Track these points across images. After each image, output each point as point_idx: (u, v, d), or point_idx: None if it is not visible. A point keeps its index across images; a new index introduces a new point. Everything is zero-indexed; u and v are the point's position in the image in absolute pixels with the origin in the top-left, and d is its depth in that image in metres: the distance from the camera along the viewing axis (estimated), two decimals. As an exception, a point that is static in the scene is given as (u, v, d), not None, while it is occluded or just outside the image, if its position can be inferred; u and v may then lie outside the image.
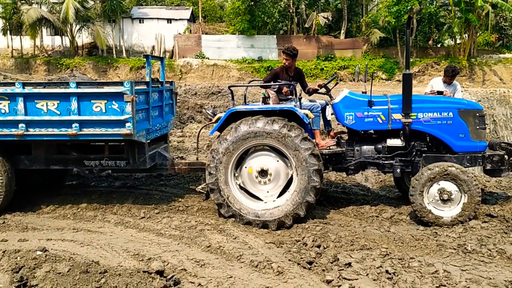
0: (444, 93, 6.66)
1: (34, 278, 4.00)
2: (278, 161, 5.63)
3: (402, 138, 5.89)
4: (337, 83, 6.48)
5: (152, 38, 37.71)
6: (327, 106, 6.38)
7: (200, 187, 6.46)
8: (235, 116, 5.72)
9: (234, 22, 37.16)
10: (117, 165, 6.29)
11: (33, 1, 34.61)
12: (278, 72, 6.50)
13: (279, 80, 6.38)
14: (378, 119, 5.89)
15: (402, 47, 34.19)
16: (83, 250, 4.86)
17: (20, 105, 5.63)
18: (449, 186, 5.43)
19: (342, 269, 4.24)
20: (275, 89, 6.24)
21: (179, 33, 37.83)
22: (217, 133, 5.94)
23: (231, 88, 6.35)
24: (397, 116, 5.83)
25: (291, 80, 6.45)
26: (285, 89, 6.25)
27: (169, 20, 39.73)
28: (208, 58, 35.37)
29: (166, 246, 4.96)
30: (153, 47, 37.76)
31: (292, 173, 5.58)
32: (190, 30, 39.18)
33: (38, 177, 7.31)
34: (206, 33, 38.26)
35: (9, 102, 5.66)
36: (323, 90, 6.33)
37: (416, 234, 5.25)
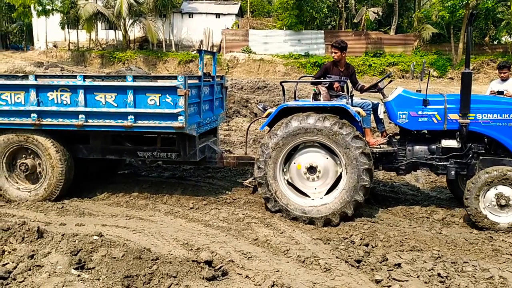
0: (504, 93, 6.38)
1: (91, 261, 4.20)
2: (327, 158, 5.60)
3: (458, 139, 5.69)
4: (391, 81, 6.35)
5: (200, 33, 38.29)
6: (379, 104, 6.26)
7: (247, 181, 6.53)
8: (285, 112, 5.74)
9: (282, 17, 37.08)
10: (168, 157, 6.47)
11: (89, -4, 36.00)
12: (328, 67, 6.45)
13: (329, 76, 6.34)
14: (433, 118, 5.72)
15: (456, 43, 32.92)
16: (135, 237, 5.05)
17: (81, 97, 5.90)
18: (508, 191, 5.20)
19: (392, 270, 4.18)
20: (326, 85, 6.20)
21: (227, 28, 38.20)
22: (267, 128, 5.99)
23: (282, 83, 6.36)
24: (454, 116, 5.64)
25: (342, 75, 6.38)
26: (336, 84, 6.20)
27: (218, 15, 40.18)
28: (255, 53, 35.52)
29: (214, 237, 5.06)
30: (201, 41, 38.33)
31: (341, 171, 5.55)
32: (238, 25, 39.47)
33: (93, 166, 7.63)
34: (254, 28, 38.42)
35: (70, 94, 5.95)
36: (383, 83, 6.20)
37: (470, 238, 5.09)
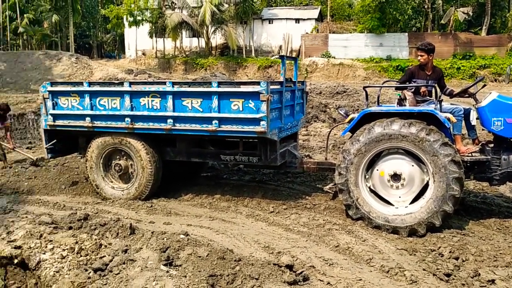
0: None
1: (178, 258, 4.42)
2: (413, 165, 5.39)
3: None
4: (484, 85, 5.97)
5: (280, 38, 38.61)
6: (471, 110, 5.90)
7: (328, 186, 6.48)
8: (368, 117, 5.62)
9: (363, 20, 36.28)
10: (249, 161, 6.60)
11: (175, 6, 37.81)
12: (414, 71, 6.19)
13: (415, 80, 6.10)
14: (532, 125, 5.29)
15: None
16: (218, 238, 5.22)
17: (170, 102, 6.23)
18: None
19: (485, 286, 3.93)
20: (412, 90, 5.97)
21: (306, 33, 38.15)
22: (349, 133, 5.90)
23: (366, 88, 6.24)
24: (555, 123, 5.17)
25: (428, 79, 6.10)
26: (423, 89, 5.95)
27: (297, 20, 40.28)
28: (334, 57, 35.08)
29: (295, 242, 5.09)
30: (280, 46, 38.64)
31: (428, 179, 5.30)
32: (317, 30, 39.27)
33: (178, 168, 8.00)
34: (333, 32, 38.00)
35: (160, 99, 6.31)
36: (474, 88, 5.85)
37: None
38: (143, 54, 41.01)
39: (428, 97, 6.02)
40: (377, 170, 5.57)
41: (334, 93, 22.14)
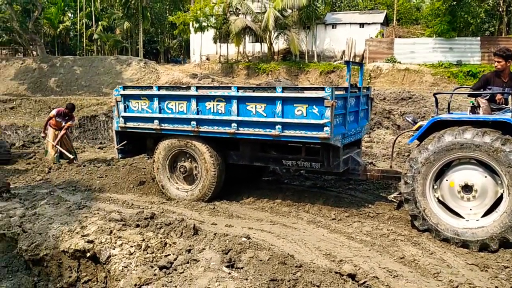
0: None
1: (240, 261, 4.47)
2: (486, 177, 5.10)
3: None
4: None
5: (343, 43, 38.05)
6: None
7: (392, 195, 6.30)
8: (438, 125, 5.39)
9: (432, 24, 34.90)
10: (312, 167, 6.56)
11: (239, 12, 38.46)
12: (490, 78, 5.88)
13: (490, 87, 5.78)
14: None
15: None
16: (279, 242, 5.23)
17: (234, 106, 6.35)
18: None
19: None
20: (487, 97, 5.66)
21: (371, 37, 37.33)
22: (417, 141, 5.70)
23: (436, 95, 6.00)
24: None
25: (505, 87, 5.76)
26: (498, 96, 5.62)
27: (362, 25, 39.53)
28: (400, 62, 34.00)
29: (357, 251, 4.98)
30: (343, 51, 38.08)
31: (503, 191, 5.00)
32: (383, 34, 38.30)
33: (240, 171, 8.11)
34: (400, 37, 36.87)
35: (225, 104, 6.45)
36: None
37: None
38: (207, 59, 42.05)
39: (504, 105, 5.68)
40: (447, 180, 5.33)
41: (398, 99, 21.47)
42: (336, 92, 6.05)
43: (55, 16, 44.13)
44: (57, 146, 10.08)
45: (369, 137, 13.61)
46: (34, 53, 38.05)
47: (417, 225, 5.46)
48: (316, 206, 6.75)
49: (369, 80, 32.67)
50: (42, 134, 10.36)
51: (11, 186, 7.72)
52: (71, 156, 10.12)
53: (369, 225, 5.82)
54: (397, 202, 6.33)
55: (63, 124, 10.23)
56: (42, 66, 33.74)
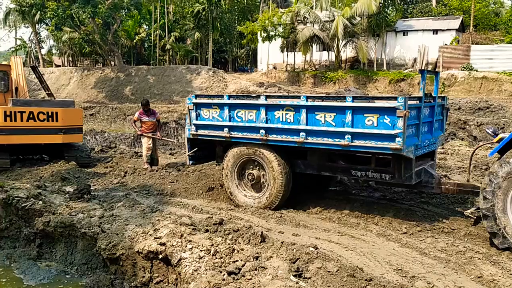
0: None
1: (307, 271, 4.45)
2: None
3: None
4: None
5: (414, 50, 36.77)
6: None
7: (469, 211, 5.98)
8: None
9: (513, 29, 32.79)
10: (382, 178, 6.39)
11: (307, 21, 38.46)
12: None
13: None
14: None
15: None
16: (347, 254, 5.13)
17: (303, 115, 6.35)
18: None
19: None
20: None
21: (445, 44, 35.72)
22: (497, 155, 5.37)
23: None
24: None
25: None
26: None
27: (435, 31, 37.97)
28: (477, 70, 32.21)
29: (431, 267, 4.77)
30: (415, 59, 36.76)
31: None
32: (458, 41, 36.51)
33: (307, 180, 8.08)
34: (477, 43, 34.98)
35: (294, 113, 6.47)
36: None
37: None
38: (274, 67, 42.39)
39: None
40: (531, 197, 4.97)
41: (475, 109, 20.38)
42: (409, 102, 5.86)
43: (132, 28, 46.65)
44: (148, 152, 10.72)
45: (443, 148, 13.01)
46: (112, 63, 40.50)
47: (496, 243, 5.14)
48: (386, 218, 6.55)
49: (442, 89, 31.25)
50: (139, 132, 10.86)
51: (91, 188, 8.24)
52: (153, 167, 10.61)
53: (443, 241, 5.56)
54: (475, 218, 6.00)
55: (149, 120, 10.78)
56: (119, 75, 35.84)
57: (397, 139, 5.64)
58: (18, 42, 57.30)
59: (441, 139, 7.30)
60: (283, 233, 5.92)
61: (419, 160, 6.59)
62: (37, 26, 45.19)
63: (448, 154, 12.41)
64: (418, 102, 6.17)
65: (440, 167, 10.25)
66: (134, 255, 5.53)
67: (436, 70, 33.46)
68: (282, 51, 40.32)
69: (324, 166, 6.87)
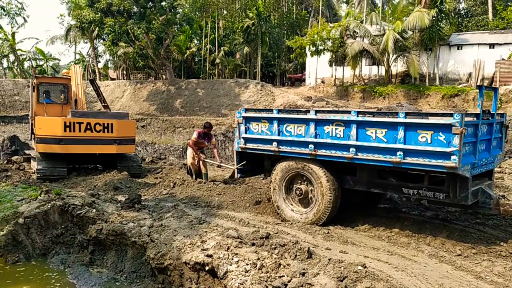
0: None
1: (355, 290, 4.35)
2: None
3: None
4: None
5: (469, 65, 35.49)
6: None
7: (530, 235, 5.63)
8: None
9: None
10: (435, 197, 6.16)
11: (357, 35, 38.11)
12: None
13: None
14: None
15: None
16: (398, 275, 4.96)
17: (353, 131, 6.26)
18: None
19: None
20: None
21: (503, 59, 34.22)
22: None
23: None
24: None
25: None
26: None
27: (492, 45, 36.48)
28: (538, 86, 30.58)
29: (488, 293, 4.53)
30: (470, 74, 35.45)
31: None
32: (517, 55, 34.85)
33: (355, 197, 7.92)
34: (537, 57, 33.24)
35: (344, 128, 6.39)
36: None
37: None
38: (322, 82, 42.16)
39: None
40: None
41: (536, 127, 19.27)
42: (466, 119, 5.64)
43: (183, 43, 48.00)
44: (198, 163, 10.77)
45: (500, 167, 12.38)
46: (164, 76, 41.78)
47: (562, 271, 4.80)
48: (439, 239, 6.29)
49: (500, 105, 29.88)
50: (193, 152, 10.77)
51: (141, 198, 8.48)
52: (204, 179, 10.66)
53: (501, 265, 5.26)
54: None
55: (204, 142, 10.77)
56: (170, 89, 36.90)
57: (453, 157, 5.44)
58: (77, 56, 60.54)
59: (500, 158, 6.96)
60: (330, 249, 5.82)
61: (476, 180, 6.30)
62: (95, 41, 47.50)
63: (506, 173, 11.78)
64: (475, 119, 5.93)
65: (497, 186, 9.75)
66: (181, 265, 5.61)
67: (493, 85, 32.10)
68: (331, 65, 40.10)
69: (374, 183, 6.71)
